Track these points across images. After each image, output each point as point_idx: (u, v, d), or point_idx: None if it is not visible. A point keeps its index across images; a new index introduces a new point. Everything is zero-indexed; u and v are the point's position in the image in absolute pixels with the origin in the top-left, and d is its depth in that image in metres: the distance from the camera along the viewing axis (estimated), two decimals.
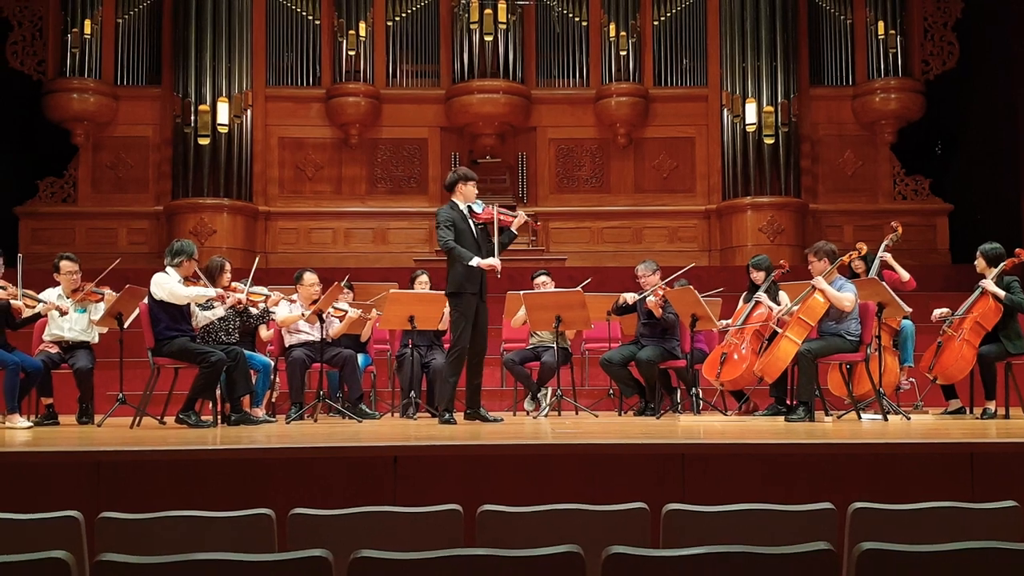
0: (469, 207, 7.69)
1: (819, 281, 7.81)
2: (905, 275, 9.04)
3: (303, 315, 8.66)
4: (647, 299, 8.93)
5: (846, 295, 7.77)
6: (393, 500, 4.51)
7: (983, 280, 8.02)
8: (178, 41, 14.28)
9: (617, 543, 2.50)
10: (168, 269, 7.73)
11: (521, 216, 7.80)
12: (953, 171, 14.87)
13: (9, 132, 14.18)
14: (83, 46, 14.08)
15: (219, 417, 7.93)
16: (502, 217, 7.70)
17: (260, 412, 8.40)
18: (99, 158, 14.54)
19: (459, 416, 7.56)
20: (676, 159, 15.01)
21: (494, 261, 7.49)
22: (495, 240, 7.63)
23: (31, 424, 7.75)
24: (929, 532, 3.05)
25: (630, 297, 9.15)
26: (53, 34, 14.31)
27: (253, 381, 8.32)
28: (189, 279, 7.80)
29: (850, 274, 8.98)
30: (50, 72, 14.28)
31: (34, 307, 8.02)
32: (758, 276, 8.86)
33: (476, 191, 7.78)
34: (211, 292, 7.78)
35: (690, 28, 15.03)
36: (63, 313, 8.18)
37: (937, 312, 8.30)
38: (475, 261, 7.45)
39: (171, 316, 7.61)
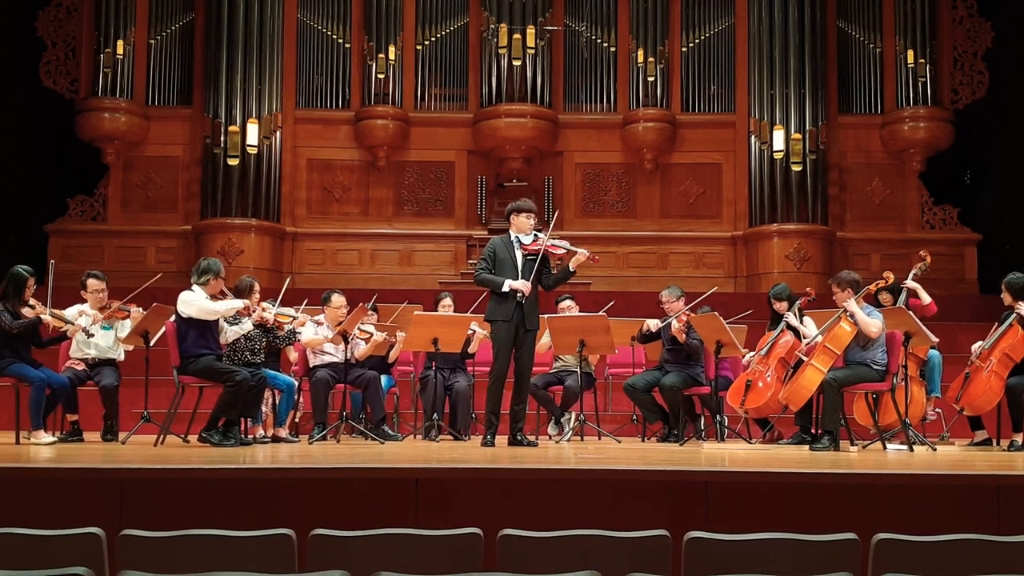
0: (518, 238, 7.75)
1: (851, 304, 7.76)
2: (926, 299, 8.94)
3: (325, 338, 8.68)
4: (671, 325, 8.90)
5: (874, 321, 7.73)
6: (414, 522, 4.50)
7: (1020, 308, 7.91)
8: (209, 62, 14.41)
9: (638, 570, 2.50)
10: (194, 287, 7.77)
11: (581, 254, 7.66)
12: (982, 201, 14.77)
13: (41, 150, 14.32)
14: (115, 66, 14.23)
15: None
16: (553, 251, 7.74)
17: (283, 432, 8.42)
18: (129, 177, 14.67)
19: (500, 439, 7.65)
20: (703, 185, 15.00)
21: (518, 284, 7.54)
22: (551, 273, 7.79)
23: (55, 439, 7.77)
24: (953, 564, 3.02)
25: (653, 324, 9.13)
26: (86, 54, 14.47)
27: (267, 405, 8.38)
28: (214, 298, 7.83)
29: (876, 305, 8.92)
30: (82, 91, 14.44)
31: (62, 327, 8.06)
32: (780, 306, 8.81)
33: (531, 223, 7.80)
34: (237, 304, 7.78)
35: (718, 55, 15.05)
36: (89, 336, 8.21)
37: (977, 345, 8.22)
38: (507, 285, 7.55)
39: (199, 333, 7.64)
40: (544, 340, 9.30)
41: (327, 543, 3.13)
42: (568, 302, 9.70)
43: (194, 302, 7.60)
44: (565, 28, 14.95)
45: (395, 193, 14.98)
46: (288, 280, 8.68)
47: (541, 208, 14.62)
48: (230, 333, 7.99)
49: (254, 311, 7.93)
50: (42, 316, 7.84)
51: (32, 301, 7.96)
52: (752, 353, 8.88)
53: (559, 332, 8.91)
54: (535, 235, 7.81)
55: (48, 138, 14.43)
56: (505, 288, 7.55)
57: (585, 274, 14.40)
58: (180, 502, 4.71)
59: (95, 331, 8.26)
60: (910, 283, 8.97)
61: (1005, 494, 4.73)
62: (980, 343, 8.24)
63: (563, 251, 7.73)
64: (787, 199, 14.29)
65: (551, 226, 8.03)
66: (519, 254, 7.70)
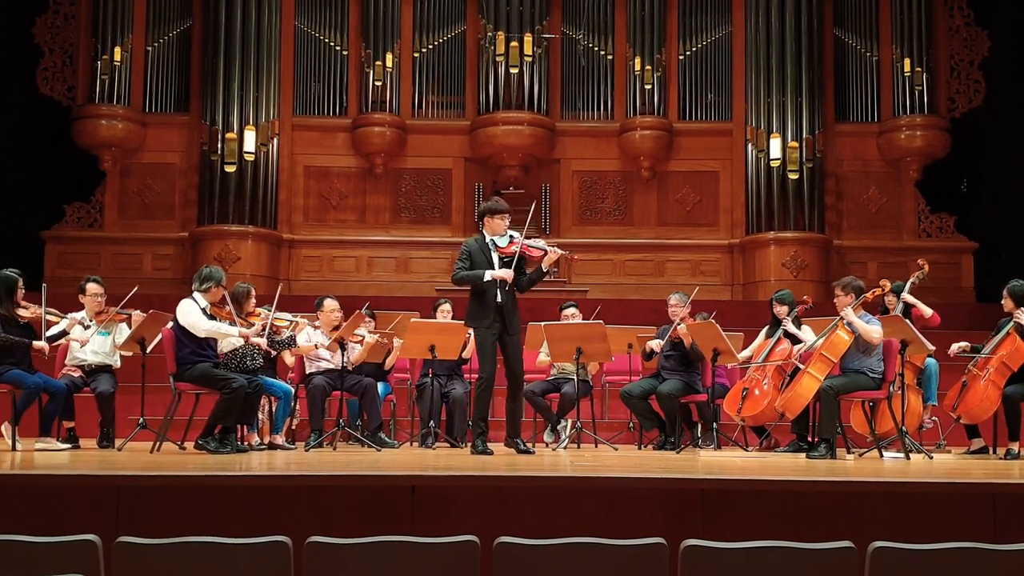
0: (493, 240, 7.70)
1: (848, 313, 7.74)
2: (928, 311, 8.95)
3: (316, 346, 8.65)
4: (678, 329, 8.89)
5: (875, 328, 7.73)
6: (410, 530, 4.49)
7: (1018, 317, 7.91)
8: (206, 69, 14.42)
9: None
10: (195, 295, 7.76)
11: (552, 253, 7.59)
12: (978, 209, 14.79)
13: (38, 157, 14.32)
14: (113, 73, 14.24)
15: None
16: (528, 252, 7.66)
17: (280, 439, 8.42)
18: (126, 184, 14.66)
19: (493, 446, 7.60)
20: (700, 193, 15.01)
21: (500, 273, 7.51)
22: (525, 274, 7.69)
23: (16, 441, 7.64)
24: (949, 573, 3.02)
25: (656, 344, 9.10)
26: (83, 61, 14.47)
27: (264, 412, 8.38)
28: (215, 305, 7.83)
29: (882, 309, 8.94)
30: (79, 98, 14.43)
31: (57, 323, 8.05)
32: (781, 310, 8.84)
33: (505, 224, 7.71)
34: (232, 332, 7.77)
35: (715, 63, 15.07)
36: (86, 327, 8.19)
37: (956, 346, 8.25)
38: (488, 275, 7.51)
39: (195, 341, 7.65)
40: (544, 358, 9.32)
41: (323, 550, 3.12)
42: (572, 310, 9.70)
43: (188, 314, 7.61)
44: (562, 36, 14.96)
45: (392, 200, 14.98)
46: (280, 286, 8.61)
47: (539, 215, 14.64)
48: (226, 344, 7.99)
49: (253, 339, 7.91)
50: (36, 343, 7.81)
51: (24, 303, 7.94)
52: (749, 353, 8.89)
53: (556, 340, 8.92)
54: (510, 237, 7.71)
55: (45, 145, 14.43)
56: (487, 277, 7.49)
57: (582, 281, 14.44)
58: (176, 509, 4.70)
59: (88, 332, 8.24)
60: (908, 297, 8.97)
61: (1001, 503, 4.73)
62: (963, 343, 8.25)
63: (539, 252, 7.63)
64: (784, 207, 14.30)
65: (528, 219, 8.00)
66: (495, 256, 7.65)
